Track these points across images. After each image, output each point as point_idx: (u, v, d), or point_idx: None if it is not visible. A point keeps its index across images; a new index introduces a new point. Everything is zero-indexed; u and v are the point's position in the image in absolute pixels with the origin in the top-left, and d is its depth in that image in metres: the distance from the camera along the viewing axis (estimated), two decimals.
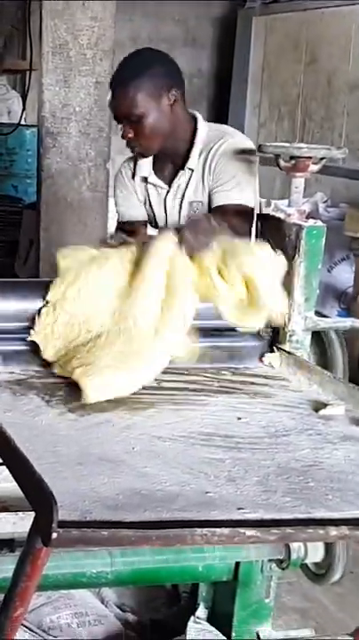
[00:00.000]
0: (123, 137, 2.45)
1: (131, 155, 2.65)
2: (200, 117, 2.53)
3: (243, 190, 2.41)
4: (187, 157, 2.49)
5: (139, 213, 2.64)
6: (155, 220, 2.64)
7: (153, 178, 2.57)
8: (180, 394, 1.90)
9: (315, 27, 6.40)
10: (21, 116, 6.24)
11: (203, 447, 1.62)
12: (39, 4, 4.24)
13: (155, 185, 2.58)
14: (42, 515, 1.25)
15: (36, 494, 1.32)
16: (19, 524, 1.66)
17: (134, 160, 2.61)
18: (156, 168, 2.58)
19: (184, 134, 2.49)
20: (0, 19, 7.50)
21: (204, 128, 2.50)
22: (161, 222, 2.62)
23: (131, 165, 2.62)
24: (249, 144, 2.52)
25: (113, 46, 4.34)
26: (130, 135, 2.42)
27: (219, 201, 2.43)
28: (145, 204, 2.63)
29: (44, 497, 1.26)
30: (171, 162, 2.54)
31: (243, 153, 2.45)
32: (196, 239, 2.04)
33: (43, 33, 4.23)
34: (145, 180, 2.59)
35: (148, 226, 2.69)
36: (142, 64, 2.44)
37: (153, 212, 2.62)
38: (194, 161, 2.48)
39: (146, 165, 2.58)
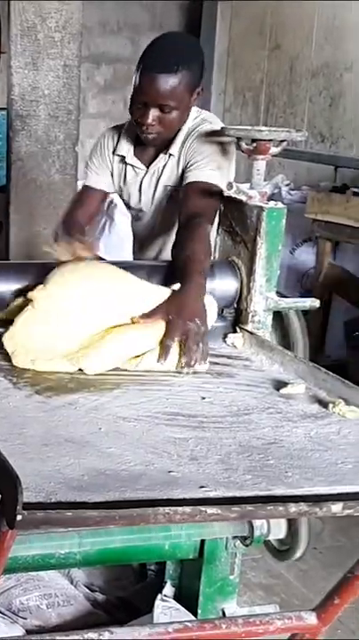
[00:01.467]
0: (141, 122, 2.37)
1: (115, 125, 2.63)
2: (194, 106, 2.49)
3: (213, 170, 2.39)
4: (169, 143, 2.48)
5: (104, 184, 2.62)
6: (129, 198, 2.64)
7: (131, 158, 2.56)
8: (146, 374, 1.92)
9: (278, 13, 6.40)
10: None
11: (167, 427, 1.64)
12: None
13: (133, 165, 2.57)
14: (6, 497, 1.27)
15: (1, 477, 1.34)
16: None
17: (118, 135, 2.57)
18: (137, 149, 2.56)
19: (181, 125, 2.46)
20: None
21: (192, 115, 2.47)
22: (134, 201, 2.62)
23: (114, 139, 2.58)
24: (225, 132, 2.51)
25: (81, 30, 4.33)
26: (154, 122, 2.35)
27: (188, 178, 2.40)
28: (120, 181, 2.62)
29: (9, 479, 1.27)
30: (154, 145, 2.51)
31: (216, 136, 2.44)
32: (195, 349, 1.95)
33: (11, 15, 4.21)
34: (123, 159, 2.57)
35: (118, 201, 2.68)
36: (188, 54, 2.39)
37: (127, 190, 2.62)
38: (176, 148, 2.47)
39: (127, 144, 2.55)
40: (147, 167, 2.55)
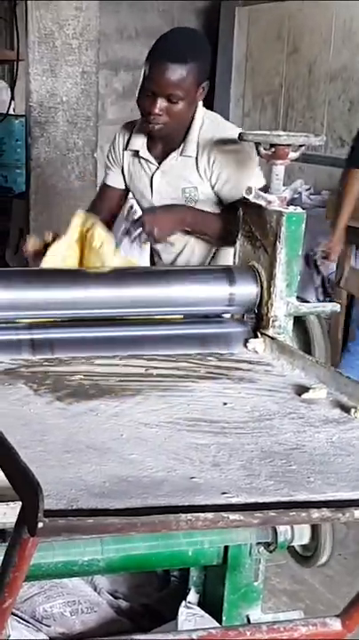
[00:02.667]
0: (148, 111, 2.39)
1: (128, 122, 2.66)
2: (200, 103, 2.51)
3: (253, 179, 2.40)
4: (181, 141, 2.49)
5: (120, 182, 2.68)
6: (141, 196, 2.65)
7: (145, 153, 2.57)
8: (167, 380, 1.92)
9: (296, 17, 6.40)
10: (9, 106, 6.24)
11: (189, 433, 1.64)
12: None
13: (146, 160, 2.58)
14: (28, 504, 1.27)
15: (22, 484, 1.34)
16: (10, 513, 1.67)
17: (130, 132, 2.60)
18: (149, 144, 2.57)
19: (188, 121, 2.48)
20: None
21: (201, 114, 2.50)
22: (147, 199, 2.62)
23: (126, 136, 2.61)
24: (236, 130, 2.49)
25: (98, 36, 4.35)
26: (161, 112, 2.38)
27: (229, 197, 2.46)
28: (131, 177, 2.64)
29: (30, 486, 1.27)
30: (163, 142, 2.54)
31: (237, 143, 2.45)
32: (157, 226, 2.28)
33: (29, 23, 4.24)
34: (136, 153, 2.59)
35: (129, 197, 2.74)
36: (197, 46, 2.43)
37: (139, 188, 2.63)
38: (191, 148, 2.48)
39: (140, 139, 2.57)
40: (159, 164, 2.56)
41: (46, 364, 2.00)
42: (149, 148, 2.57)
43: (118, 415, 1.72)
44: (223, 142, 2.46)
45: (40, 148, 4.37)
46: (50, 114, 4.36)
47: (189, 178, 2.52)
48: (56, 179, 4.37)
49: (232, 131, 2.50)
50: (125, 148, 2.61)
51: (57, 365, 1.99)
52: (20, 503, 1.31)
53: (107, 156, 2.69)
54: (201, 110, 2.50)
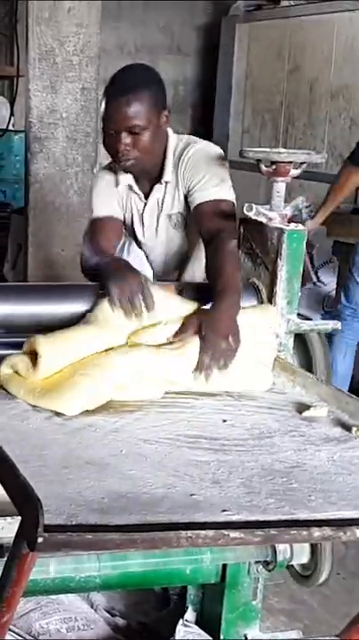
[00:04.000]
0: (115, 149, 2.37)
1: (104, 165, 2.63)
2: (170, 131, 2.52)
3: (218, 185, 2.40)
4: (161, 171, 2.50)
5: (116, 210, 2.59)
6: (134, 231, 2.65)
7: (136, 188, 2.57)
8: (167, 396, 1.91)
9: (297, 34, 6.44)
10: (9, 122, 6.25)
11: (188, 449, 1.63)
12: (25, 10, 4.25)
13: (137, 195, 2.58)
14: (27, 519, 1.26)
15: (22, 498, 1.33)
16: (7, 528, 1.66)
17: (114, 171, 2.57)
18: (136, 183, 2.57)
19: (160, 150, 2.48)
20: None
21: (174, 141, 2.51)
22: (139, 235, 2.64)
23: (112, 175, 2.57)
24: (214, 147, 2.53)
25: (99, 53, 4.37)
26: (127, 147, 2.36)
27: (196, 200, 2.42)
28: (125, 211, 2.62)
29: (30, 501, 1.26)
30: (146, 177, 2.53)
31: (211, 156, 2.46)
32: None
33: (30, 39, 4.24)
34: (130, 187, 2.58)
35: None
36: (146, 78, 2.43)
37: (132, 223, 2.63)
38: (168, 174, 2.48)
39: (127, 177, 2.55)
40: (146, 199, 2.56)
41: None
42: (137, 185, 2.57)
43: (118, 431, 1.71)
44: (194, 154, 2.46)
45: (39, 163, 4.37)
46: (49, 130, 4.36)
47: (174, 203, 2.53)
48: (55, 194, 4.37)
49: (203, 144, 2.52)
50: (116, 186, 2.58)
51: None
52: (19, 518, 1.31)
53: (99, 192, 2.61)
54: (173, 137, 2.51)
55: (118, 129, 2.35)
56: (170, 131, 2.52)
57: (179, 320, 2.03)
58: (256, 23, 7.05)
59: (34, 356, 1.90)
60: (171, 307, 2.07)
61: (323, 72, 6.10)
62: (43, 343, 1.90)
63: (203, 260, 2.35)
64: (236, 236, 2.29)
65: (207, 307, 2.06)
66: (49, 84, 4.28)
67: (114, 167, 2.56)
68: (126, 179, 2.56)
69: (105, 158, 2.97)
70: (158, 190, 2.53)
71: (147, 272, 2.79)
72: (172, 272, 2.65)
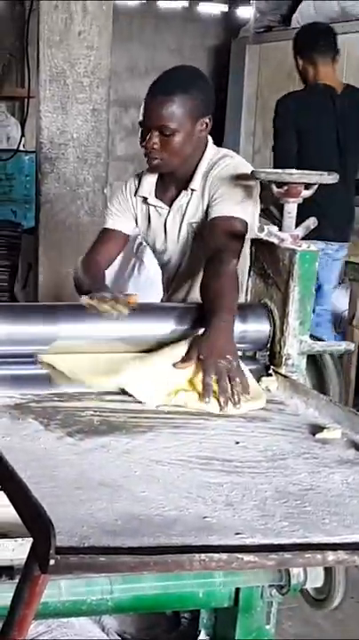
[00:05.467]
0: (146, 146, 2.42)
1: (137, 172, 2.68)
2: (210, 141, 2.54)
3: (237, 204, 2.41)
4: (190, 179, 2.51)
5: (126, 227, 2.65)
6: (154, 241, 2.65)
7: (153, 199, 2.59)
8: (179, 417, 1.90)
9: None
10: (20, 142, 6.30)
11: (201, 471, 1.62)
12: (36, 33, 4.29)
13: (155, 206, 2.59)
14: (39, 541, 1.25)
15: (34, 520, 1.32)
16: (18, 550, 1.65)
17: (139, 178, 2.62)
18: (159, 189, 2.59)
19: (195, 157, 2.50)
20: None
21: (211, 152, 2.52)
22: (160, 242, 2.64)
23: (136, 182, 2.63)
24: (246, 166, 2.53)
25: (109, 75, 4.40)
26: (155, 146, 2.40)
27: (212, 213, 2.43)
28: (144, 224, 2.64)
29: (42, 523, 1.25)
30: (174, 183, 2.56)
31: (241, 174, 2.46)
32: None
33: (41, 62, 4.28)
34: (145, 200, 2.60)
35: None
36: (191, 82, 2.44)
37: (152, 233, 2.64)
38: (197, 182, 2.50)
39: (148, 185, 2.59)
40: (170, 206, 2.57)
41: (56, 399, 1.98)
42: (159, 194, 2.59)
43: (129, 452, 1.70)
44: (224, 168, 2.47)
45: (50, 183, 4.40)
46: (60, 150, 4.39)
47: (197, 212, 2.53)
48: (65, 214, 4.39)
49: (238, 160, 2.53)
50: (135, 194, 2.62)
51: (67, 401, 1.97)
52: (30, 539, 1.30)
53: (111, 202, 2.70)
54: (211, 148, 2.52)
55: (150, 126, 2.39)
56: (210, 141, 2.53)
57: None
58: (266, 44, 7.10)
59: None
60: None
61: None
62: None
63: None
64: (237, 256, 2.29)
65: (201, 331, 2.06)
66: (60, 105, 4.32)
67: (141, 175, 2.60)
68: (145, 190, 2.58)
69: (116, 179, 2.99)
70: (184, 197, 2.53)
71: (156, 293, 2.80)
72: (182, 287, 2.64)
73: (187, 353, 1.99)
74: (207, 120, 2.45)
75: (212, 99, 2.50)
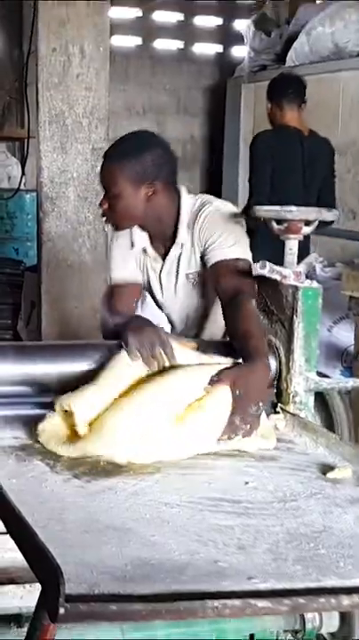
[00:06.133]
0: (99, 205, 2.51)
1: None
2: (184, 192, 2.54)
3: (234, 244, 2.41)
4: (175, 233, 2.52)
5: (135, 276, 2.63)
6: (151, 291, 2.66)
7: (151, 250, 2.60)
8: (187, 458, 1.87)
9: None
10: (20, 182, 6.32)
11: (211, 513, 1.59)
12: (35, 75, 4.34)
13: (152, 257, 2.60)
14: (48, 588, 1.23)
15: (41, 565, 1.30)
16: (26, 597, 1.62)
17: (130, 231, 2.60)
18: (152, 243, 2.60)
19: (168, 216, 2.51)
20: None
21: (187, 202, 2.52)
22: (158, 294, 2.64)
23: (129, 236, 2.61)
24: (230, 206, 2.55)
25: (108, 115, 4.44)
26: (104, 206, 2.47)
27: (213, 258, 2.43)
28: (143, 274, 2.64)
29: (50, 569, 1.23)
30: (160, 238, 2.57)
31: (228, 215, 2.47)
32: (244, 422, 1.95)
33: (40, 103, 4.32)
34: (144, 251, 2.61)
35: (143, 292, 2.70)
36: (134, 149, 2.46)
37: (151, 283, 2.64)
38: (183, 236, 2.50)
39: (142, 237, 2.59)
40: (163, 259, 2.58)
41: None
42: (153, 246, 2.60)
43: (138, 494, 1.67)
44: (209, 215, 2.48)
45: (51, 222, 4.41)
46: (61, 189, 4.41)
47: (191, 264, 2.53)
48: (67, 252, 4.40)
49: (218, 203, 2.53)
50: (132, 247, 2.61)
51: None
52: (38, 585, 1.27)
53: (114, 257, 2.66)
54: (187, 199, 2.52)
55: (102, 188, 2.50)
56: (184, 192, 2.54)
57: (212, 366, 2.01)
58: (261, 83, 7.15)
59: (66, 415, 1.93)
60: (191, 358, 2.05)
61: (330, 129, 6.15)
62: (74, 399, 1.92)
63: (221, 319, 2.34)
64: (254, 295, 2.28)
65: (239, 361, 2.04)
66: (59, 145, 4.35)
67: (131, 229, 2.59)
68: (141, 242, 2.59)
69: None
70: (175, 250, 2.54)
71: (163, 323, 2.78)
72: (191, 331, 2.64)
73: (220, 378, 1.96)
74: (155, 185, 2.43)
75: (164, 162, 2.47)
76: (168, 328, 2.74)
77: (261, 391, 1.98)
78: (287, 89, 4.72)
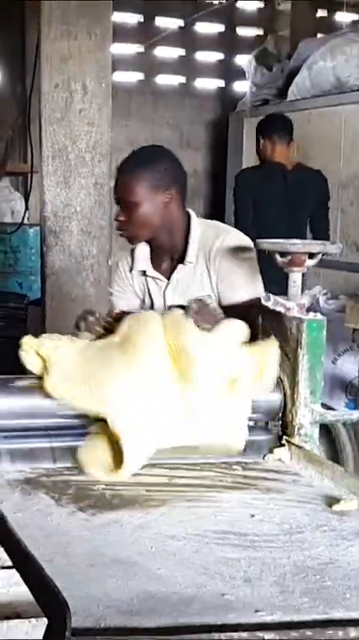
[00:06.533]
0: (116, 219, 2.55)
1: (130, 249, 2.72)
2: (193, 214, 2.62)
3: (246, 284, 2.48)
4: (184, 252, 2.56)
5: (133, 305, 2.68)
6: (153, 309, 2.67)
7: (151, 271, 2.64)
8: (192, 490, 1.87)
9: (304, 127, 6.56)
10: (24, 216, 6.37)
11: (217, 546, 1.59)
12: (38, 111, 4.39)
13: (154, 278, 2.64)
14: (54, 622, 1.22)
15: (47, 599, 1.29)
16: (32, 632, 1.61)
17: (131, 254, 2.68)
18: (154, 262, 2.64)
19: (179, 231, 2.57)
20: (2, 125, 7.73)
21: (198, 224, 2.58)
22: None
23: (129, 259, 2.69)
24: (246, 239, 2.58)
25: (110, 149, 4.48)
26: (121, 218, 2.52)
27: (225, 299, 2.50)
28: (144, 296, 2.68)
29: (56, 602, 1.23)
30: (168, 256, 2.61)
31: (242, 249, 2.51)
32: (202, 319, 2.10)
33: (43, 138, 4.37)
34: (143, 273, 2.65)
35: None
36: (147, 158, 2.55)
37: (152, 303, 2.66)
38: (192, 255, 2.54)
39: (143, 259, 2.64)
40: (168, 278, 2.61)
41: (67, 472, 1.96)
42: (156, 265, 2.64)
43: (143, 527, 1.67)
44: (228, 249, 2.52)
45: (55, 256, 4.44)
46: (64, 223, 4.45)
47: (203, 287, 2.55)
48: (71, 286, 4.42)
49: (233, 234, 2.58)
50: (131, 270, 2.67)
51: (78, 474, 1.95)
52: (44, 620, 1.27)
53: (113, 285, 2.76)
54: (196, 221, 2.59)
55: (116, 202, 2.55)
56: (193, 214, 2.61)
57: None
58: (263, 117, 7.21)
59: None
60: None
61: (332, 163, 6.19)
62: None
63: None
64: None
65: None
66: (62, 179, 4.39)
67: (133, 251, 2.66)
68: (140, 264, 2.63)
69: (119, 250, 3.02)
70: (182, 270, 2.58)
71: None
72: None
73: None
74: (171, 192, 2.52)
75: (176, 172, 2.57)
76: None
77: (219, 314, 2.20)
78: (278, 126, 5.02)
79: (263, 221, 4.75)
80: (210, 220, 2.67)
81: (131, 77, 8.21)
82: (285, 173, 4.91)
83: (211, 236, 2.54)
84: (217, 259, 2.51)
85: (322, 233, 4.91)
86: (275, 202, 4.84)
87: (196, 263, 2.54)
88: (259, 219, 4.81)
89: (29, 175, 6.61)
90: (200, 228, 2.57)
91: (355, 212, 5.96)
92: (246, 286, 2.48)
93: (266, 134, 4.98)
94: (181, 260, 2.57)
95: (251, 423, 2.14)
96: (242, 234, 2.63)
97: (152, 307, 2.66)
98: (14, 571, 1.49)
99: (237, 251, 2.51)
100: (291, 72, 6.97)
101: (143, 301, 2.69)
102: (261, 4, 8.50)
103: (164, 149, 2.66)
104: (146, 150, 2.65)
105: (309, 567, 1.50)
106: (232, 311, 2.38)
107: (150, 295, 2.66)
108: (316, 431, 2.14)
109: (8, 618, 1.62)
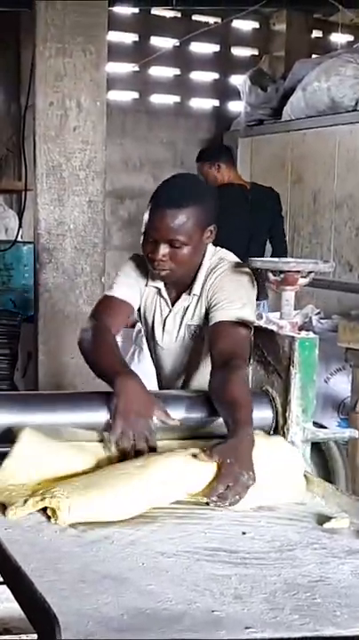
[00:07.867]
0: (152, 258, 2.38)
1: (139, 254, 2.57)
2: (209, 245, 2.51)
3: (240, 308, 2.38)
4: (192, 283, 2.49)
5: (132, 298, 2.55)
6: (153, 331, 2.65)
7: (164, 292, 2.56)
8: (183, 507, 1.87)
9: (298, 147, 6.61)
10: (18, 233, 6.37)
11: (208, 563, 1.59)
12: (32, 129, 4.41)
13: (164, 300, 2.57)
14: (45, 638, 1.22)
15: (38, 615, 1.29)
16: None
17: (149, 270, 2.53)
18: (165, 285, 2.57)
19: (198, 262, 2.48)
20: None
21: (210, 255, 2.50)
22: (158, 338, 2.63)
23: (144, 268, 2.54)
24: (243, 267, 2.51)
25: (104, 167, 4.50)
26: (164, 258, 2.36)
27: (215, 318, 2.39)
28: (146, 310, 2.61)
29: (47, 618, 1.23)
30: (174, 285, 2.54)
31: (236, 271, 2.47)
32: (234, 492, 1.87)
33: (37, 156, 4.39)
34: (159, 291, 2.57)
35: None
36: (195, 191, 2.42)
37: (153, 324, 2.63)
38: (198, 287, 2.48)
39: (158, 279, 2.53)
40: (171, 307, 2.56)
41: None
42: (166, 288, 2.57)
43: (134, 543, 1.67)
44: (223, 272, 2.46)
45: (48, 273, 4.45)
46: (58, 241, 4.46)
47: (195, 315, 2.52)
48: (64, 303, 4.43)
49: (235, 264, 2.50)
50: (146, 285, 2.57)
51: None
52: (35, 636, 1.27)
53: (122, 275, 2.58)
54: (210, 251, 2.50)
55: (159, 239, 2.35)
56: (209, 245, 2.50)
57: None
58: (258, 137, 7.27)
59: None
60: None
61: (326, 183, 6.24)
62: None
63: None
64: (247, 362, 2.26)
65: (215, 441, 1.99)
66: (56, 197, 4.41)
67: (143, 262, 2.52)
68: (157, 282, 2.55)
69: (112, 268, 2.99)
70: (186, 300, 2.52)
71: (153, 383, 2.74)
72: (180, 378, 2.63)
73: (211, 450, 1.90)
74: (212, 228, 2.43)
75: (215, 205, 2.47)
76: (155, 383, 2.71)
77: (249, 460, 1.90)
78: (220, 151, 5.39)
79: (226, 244, 4.78)
80: (217, 248, 2.55)
81: (126, 96, 8.25)
82: (245, 193, 5.16)
83: (213, 266, 2.48)
84: (211, 284, 2.45)
85: (282, 249, 5.20)
86: (239, 222, 4.98)
87: (199, 293, 2.49)
88: (222, 242, 4.84)
89: (23, 193, 6.63)
90: (209, 258, 2.49)
91: (349, 231, 6.00)
92: (241, 308, 2.37)
93: (210, 160, 5.22)
94: (187, 289, 2.50)
95: None
96: (241, 262, 2.54)
97: (152, 327, 2.62)
98: (5, 587, 1.49)
99: (234, 276, 2.45)
100: (285, 92, 7.02)
101: (145, 319, 2.64)
102: (256, 25, 8.54)
103: (201, 180, 2.55)
104: (187, 182, 2.51)
105: (300, 585, 1.50)
106: (226, 335, 2.33)
107: (154, 314, 2.60)
108: (308, 449, 2.14)
109: None
